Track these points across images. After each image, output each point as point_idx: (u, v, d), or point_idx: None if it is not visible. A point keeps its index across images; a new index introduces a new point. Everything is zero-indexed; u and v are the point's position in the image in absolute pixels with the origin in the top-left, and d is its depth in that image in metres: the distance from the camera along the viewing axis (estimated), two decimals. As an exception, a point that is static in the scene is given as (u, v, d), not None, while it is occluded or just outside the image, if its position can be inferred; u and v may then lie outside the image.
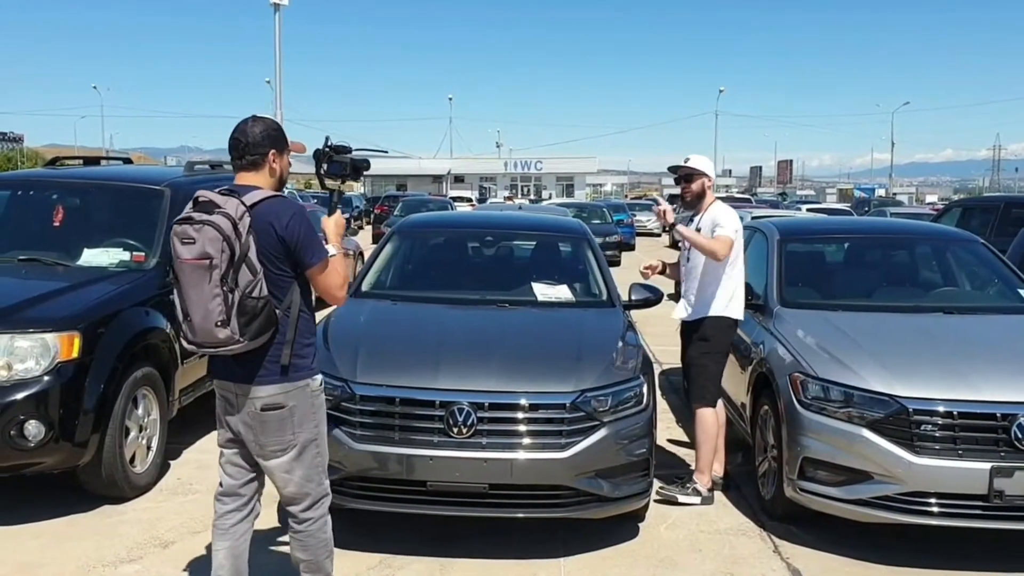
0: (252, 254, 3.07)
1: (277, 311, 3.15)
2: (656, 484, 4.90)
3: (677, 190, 5.72)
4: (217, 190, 3.17)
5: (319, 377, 3.35)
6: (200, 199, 3.12)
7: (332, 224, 3.48)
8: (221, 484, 3.46)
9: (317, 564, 3.44)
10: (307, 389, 3.28)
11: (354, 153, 3.66)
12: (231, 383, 3.27)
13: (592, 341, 4.84)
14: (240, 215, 3.06)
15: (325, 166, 3.61)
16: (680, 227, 5.18)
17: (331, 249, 3.33)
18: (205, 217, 3.04)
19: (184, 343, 3.21)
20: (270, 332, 3.14)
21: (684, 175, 5.32)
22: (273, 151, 3.28)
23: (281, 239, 3.13)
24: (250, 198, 3.12)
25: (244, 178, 3.27)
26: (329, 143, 3.65)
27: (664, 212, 5.31)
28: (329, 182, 3.65)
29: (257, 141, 3.25)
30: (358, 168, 3.64)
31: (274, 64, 29.65)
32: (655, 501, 4.97)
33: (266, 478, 3.48)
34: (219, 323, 3.03)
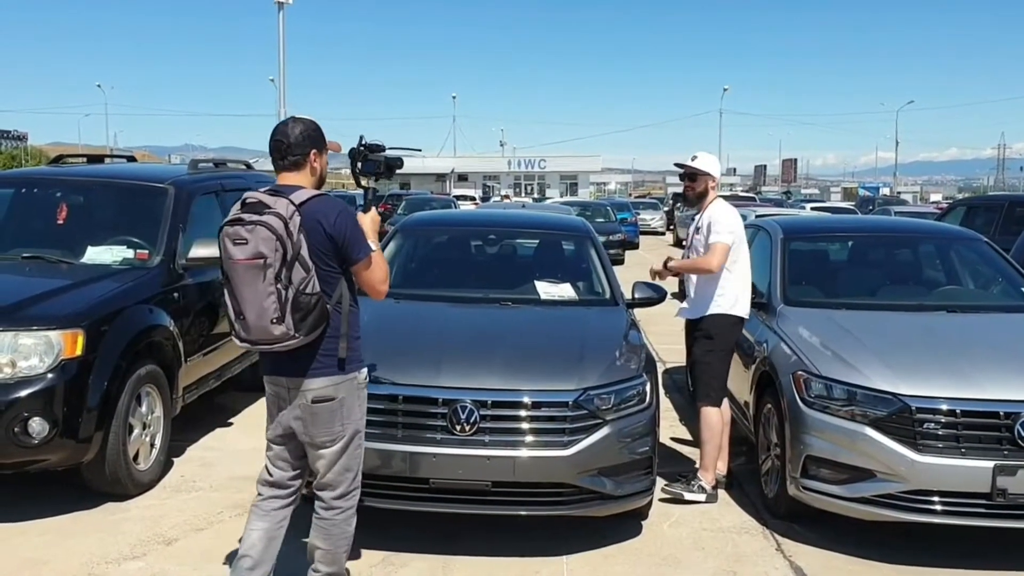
0: (304, 252, 3.16)
1: (328, 306, 3.25)
2: (660, 482, 4.90)
3: (681, 188, 5.71)
4: (262, 190, 3.28)
5: (365, 370, 3.47)
6: (248, 200, 3.22)
7: (368, 221, 3.55)
8: (270, 475, 3.52)
9: (334, 556, 3.48)
10: (355, 381, 3.40)
11: (387, 152, 3.76)
12: (283, 378, 3.36)
13: (595, 339, 4.83)
14: (291, 214, 3.15)
15: (360, 165, 3.73)
16: (672, 264, 5.44)
17: (371, 245, 3.41)
18: (256, 218, 3.13)
19: (237, 341, 3.30)
20: (322, 327, 3.24)
21: (689, 173, 5.34)
22: (314, 151, 3.37)
23: (329, 236, 3.23)
24: (297, 197, 3.21)
25: (287, 178, 3.35)
26: (364, 142, 3.76)
27: (656, 271, 5.55)
28: (364, 180, 3.75)
29: (299, 142, 3.33)
30: (392, 166, 3.78)
31: (278, 62, 29.67)
32: (660, 499, 4.98)
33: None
34: (274, 320, 3.13)
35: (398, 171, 3.91)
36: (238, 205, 3.26)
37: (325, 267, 3.25)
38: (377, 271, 3.41)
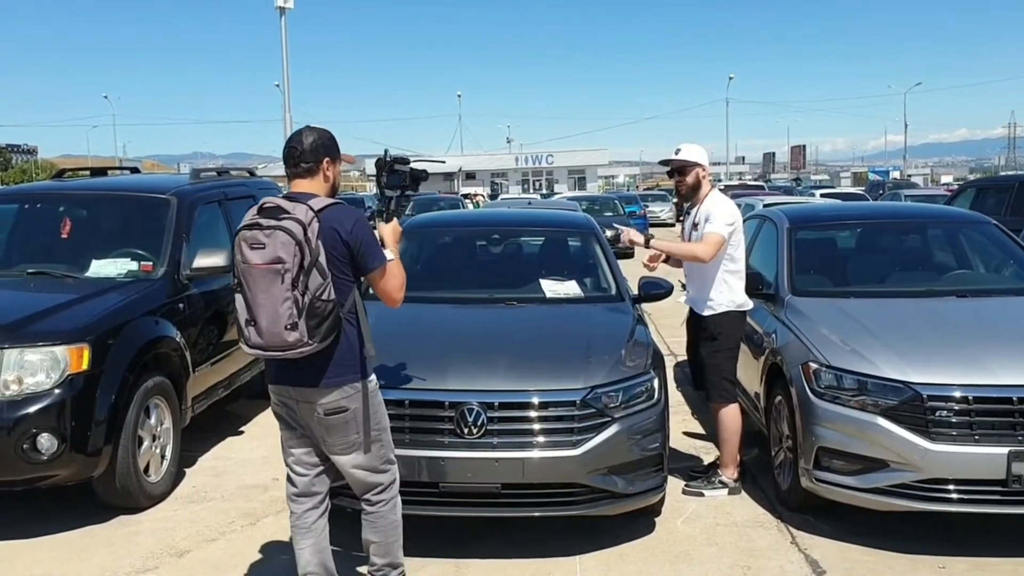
0: (322, 258, 3.16)
1: (340, 314, 3.24)
2: (671, 479, 4.87)
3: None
4: (280, 196, 3.30)
5: (374, 376, 3.46)
6: (266, 205, 3.23)
7: (389, 230, 3.62)
8: (295, 485, 3.53)
9: (387, 547, 3.54)
10: (366, 388, 3.38)
11: (412, 164, 3.86)
12: (290, 388, 3.35)
13: (601, 337, 4.80)
14: (310, 220, 3.15)
15: (385, 177, 3.81)
16: (654, 242, 5.25)
17: (388, 254, 3.44)
18: (275, 223, 3.14)
19: (246, 347, 3.26)
20: (335, 334, 3.23)
21: (677, 168, 5.22)
22: (327, 159, 3.39)
23: (345, 244, 3.24)
24: (315, 204, 3.22)
25: (300, 185, 3.36)
26: (389, 155, 3.83)
27: (631, 239, 5.26)
28: (388, 191, 3.81)
29: (311, 149, 3.35)
30: (417, 178, 3.85)
31: (282, 67, 29.69)
32: (684, 492, 5.01)
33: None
34: (288, 326, 3.12)
35: (425, 178, 3.99)
36: (255, 209, 3.27)
37: (339, 275, 3.25)
38: (392, 280, 3.41)
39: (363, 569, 4.12)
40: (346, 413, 3.33)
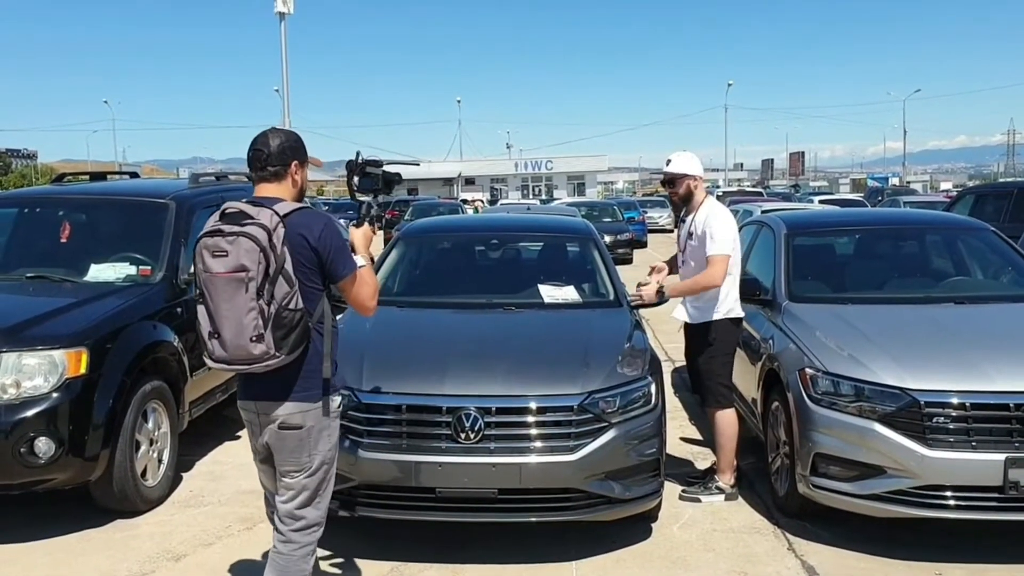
0: (288, 265, 2.98)
1: (309, 324, 3.06)
2: (668, 484, 4.86)
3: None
4: (243, 201, 3.09)
5: (339, 398, 3.26)
6: (228, 210, 3.03)
7: (360, 235, 3.43)
8: (271, 506, 3.34)
9: None
10: (326, 408, 3.17)
11: (385, 166, 3.69)
12: (252, 402, 3.17)
13: (599, 342, 4.80)
14: (275, 225, 2.97)
15: (357, 180, 3.63)
16: (669, 292, 5.16)
17: (360, 260, 3.28)
18: (237, 229, 2.95)
19: (210, 361, 3.08)
20: (303, 346, 3.05)
21: (667, 179, 5.22)
22: (295, 162, 3.20)
23: (314, 250, 3.05)
24: (281, 208, 3.03)
25: (266, 190, 3.16)
26: (361, 157, 3.66)
27: (645, 296, 5.17)
28: (360, 195, 3.65)
29: (279, 152, 3.16)
30: (390, 181, 3.67)
31: (281, 73, 29.71)
32: (680, 497, 5.01)
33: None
34: (254, 338, 2.94)
35: (399, 181, 3.82)
36: (216, 215, 3.07)
37: (307, 283, 3.05)
38: (364, 287, 3.22)
39: (372, 574, 4.14)
40: (300, 431, 3.12)
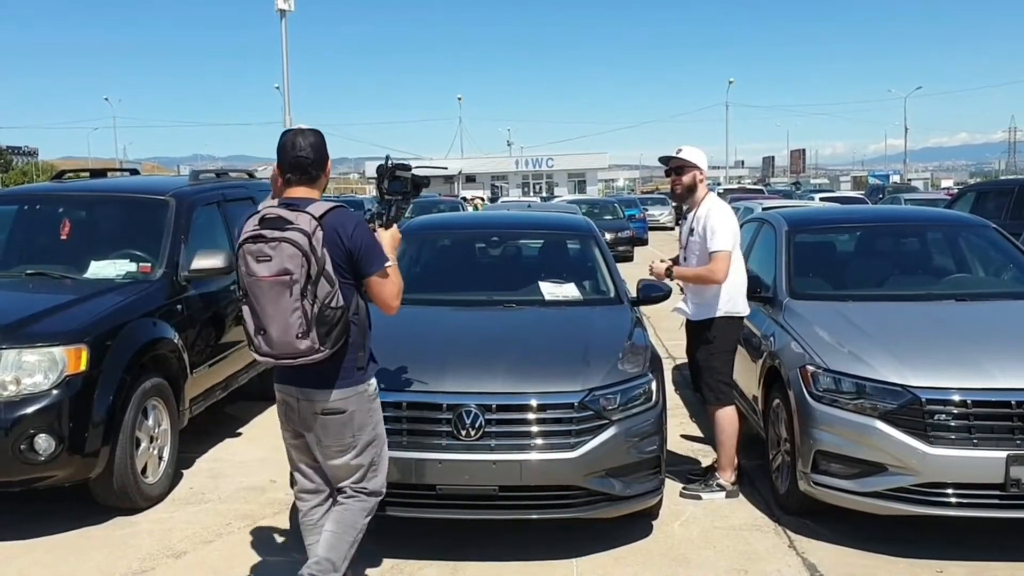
0: (328, 266, 3.16)
1: (348, 319, 3.26)
2: (669, 482, 4.86)
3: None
4: (279, 203, 3.26)
5: (374, 380, 3.49)
6: (268, 215, 3.20)
7: (388, 237, 3.59)
8: (299, 481, 3.59)
9: (336, 541, 3.44)
10: (365, 394, 3.41)
11: (414, 170, 3.88)
12: (293, 387, 3.37)
13: (600, 339, 4.80)
14: (313, 229, 3.14)
15: (387, 183, 3.81)
16: (676, 269, 5.23)
17: (389, 259, 3.43)
18: (279, 234, 3.13)
19: (257, 356, 3.28)
20: (344, 339, 3.25)
21: (675, 167, 5.20)
22: (328, 163, 3.42)
23: (348, 249, 3.24)
24: (316, 210, 3.20)
25: (299, 191, 3.33)
26: (391, 161, 3.85)
27: (655, 270, 5.32)
28: (389, 197, 3.81)
29: (320, 157, 3.35)
30: (418, 184, 3.87)
31: (282, 70, 29.72)
32: (681, 494, 5.01)
33: None
34: (299, 335, 3.14)
35: (426, 184, 4.01)
36: (255, 220, 3.23)
37: (343, 279, 3.25)
38: (390, 286, 3.38)
39: (372, 571, 4.14)
40: (343, 415, 3.35)
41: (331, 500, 3.60)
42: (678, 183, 5.20)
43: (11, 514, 4.90)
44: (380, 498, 3.58)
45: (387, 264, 3.37)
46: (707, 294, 5.08)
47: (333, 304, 3.17)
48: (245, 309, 3.25)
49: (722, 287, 5.05)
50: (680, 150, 5.24)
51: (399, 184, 3.82)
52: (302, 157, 3.31)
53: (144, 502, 4.99)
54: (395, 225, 3.72)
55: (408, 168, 3.87)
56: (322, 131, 3.44)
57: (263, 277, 3.14)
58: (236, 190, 7.13)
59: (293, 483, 4.42)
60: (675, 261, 5.46)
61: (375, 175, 3.90)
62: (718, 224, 5.02)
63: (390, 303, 3.42)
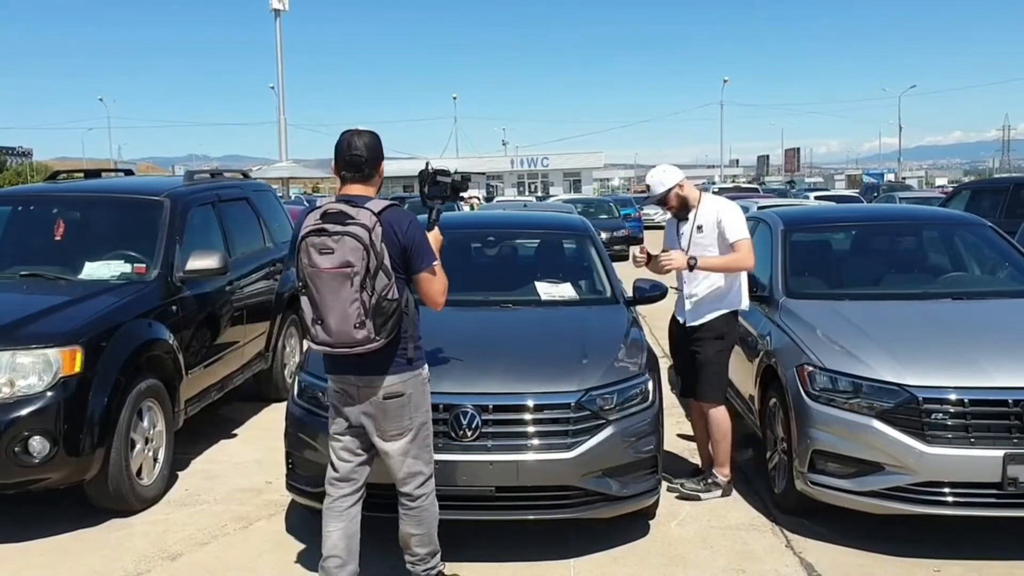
0: (386, 260, 3.36)
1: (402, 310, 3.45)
2: (665, 484, 4.85)
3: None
4: (339, 199, 3.47)
5: (427, 367, 3.69)
6: (330, 210, 3.39)
7: (432, 238, 3.74)
8: (336, 470, 3.70)
9: (430, 536, 3.72)
10: (420, 377, 3.61)
11: (454, 174, 4.10)
12: (351, 376, 3.54)
13: (596, 339, 4.78)
14: (373, 225, 3.34)
15: (427, 188, 4.04)
16: (701, 261, 4.93)
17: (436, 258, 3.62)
18: (341, 228, 3.33)
19: (313, 345, 3.47)
20: (396, 330, 3.43)
21: (658, 201, 5.13)
22: (383, 162, 3.61)
23: (402, 245, 3.43)
24: (374, 207, 3.40)
25: (355, 189, 3.53)
26: (431, 167, 4.07)
27: (675, 265, 4.96)
28: (431, 202, 4.04)
29: (374, 156, 3.55)
30: (457, 188, 4.10)
31: (277, 69, 29.72)
32: (677, 497, 4.97)
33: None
34: (357, 325, 3.33)
35: (465, 188, 4.18)
36: (317, 215, 3.40)
37: (397, 274, 3.43)
38: (438, 283, 3.59)
39: (371, 572, 4.12)
40: (402, 398, 3.53)
41: (362, 492, 3.75)
42: (670, 208, 5.14)
43: (5, 516, 4.88)
44: (433, 479, 3.73)
45: (434, 262, 3.56)
46: (717, 292, 5.02)
47: (389, 296, 3.35)
48: (304, 299, 3.42)
49: (732, 284, 5.02)
50: (648, 185, 5.16)
51: (439, 188, 4.04)
52: (357, 156, 3.51)
53: (139, 504, 4.97)
54: (436, 227, 3.90)
55: (448, 173, 4.08)
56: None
57: (325, 268, 3.32)
58: (231, 190, 7.11)
59: (289, 485, 4.44)
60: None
61: (418, 180, 4.11)
62: (735, 215, 5.00)
63: (437, 299, 3.62)
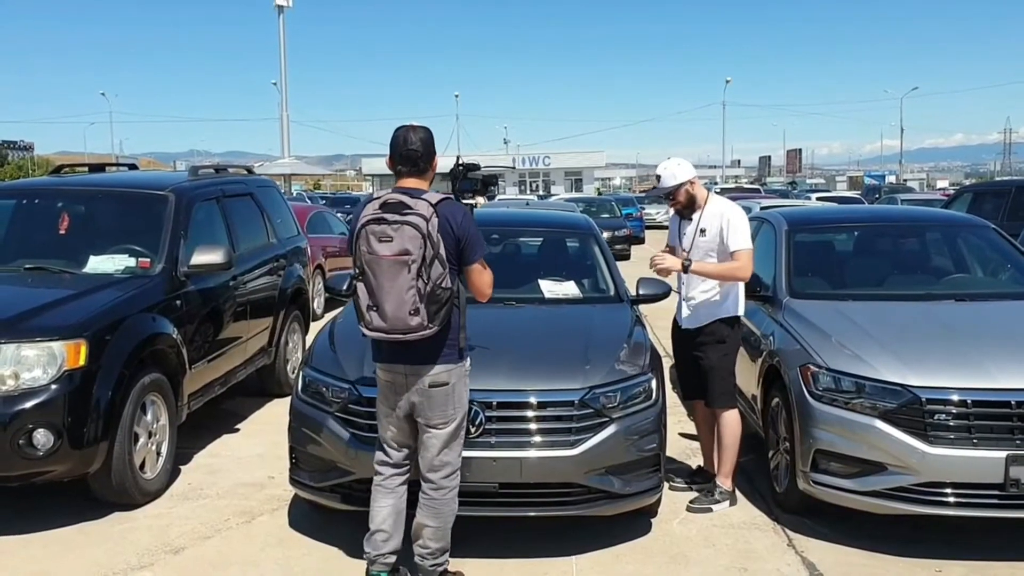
0: (442, 250, 3.47)
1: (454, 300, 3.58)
2: (668, 484, 4.84)
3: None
4: (398, 192, 3.57)
5: (469, 359, 3.77)
6: (389, 201, 3.51)
7: None
8: (387, 456, 3.82)
9: (444, 531, 3.78)
10: (463, 368, 3.72)
11: (483, 170, 4.26)
12: (401, 365, 3.64)
13: (600, 337, 4.79)
14: (430, 215, 3.46)
15: (458, 183, 4.17)
16: (695, 266, 4.90)
17: None
18: (400, 218, 3.45)
19: (366, 331, 3.57)
20: (448, 319, 3.55)
21: (667, 193, 5.04)
22: (436, 157, 3.72)
23: (456, 236, 3.55)
24: (431, 198, 3.52)
25: (410, 182, 3.65)
26: (461, 163, 4.21)
27: (667, 266, 4.91)
28: (463, 197, 4.12)
29: (428, 151, 3.67)
30: (487, 183, 4.25)
31: (279, 66, 29.68)
32: (686, 511, 4.90)
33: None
34: (411, 311, 3.44)
35: (495, 183, 4.36)
36: (376, 204, 3.52)
37: (450, 264, 3.53)
38: (487, 275, 3.73)
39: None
40: (447, 387, 3.64)
41: (408, 471, 3.85)
42: (676, 203, 5.05)
43: (8, 509, 4.89)
44: (459, 473, 3.80)
45: (486, 252, 3.71)
46: (719, 297, 4.97)
47: (444, 284, 3.47)
48: (360, 285, 3.53)
49: (733, 288, 4.99)
50: (659, 176, 5.06)
51: (469, 183, 4.18)
52: (412, 150, 3.63)
53: (142, 497, 4.98)
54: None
55: (478, 168, 4.24)
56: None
57: (384, 256, 3.44)
58: (235, 186, 7.13)
59: (292, 480, 4.44)
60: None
61: (448, 176, 4.21)
62: (740, 223, 4.90)
63: (485, 291, 3.75)
